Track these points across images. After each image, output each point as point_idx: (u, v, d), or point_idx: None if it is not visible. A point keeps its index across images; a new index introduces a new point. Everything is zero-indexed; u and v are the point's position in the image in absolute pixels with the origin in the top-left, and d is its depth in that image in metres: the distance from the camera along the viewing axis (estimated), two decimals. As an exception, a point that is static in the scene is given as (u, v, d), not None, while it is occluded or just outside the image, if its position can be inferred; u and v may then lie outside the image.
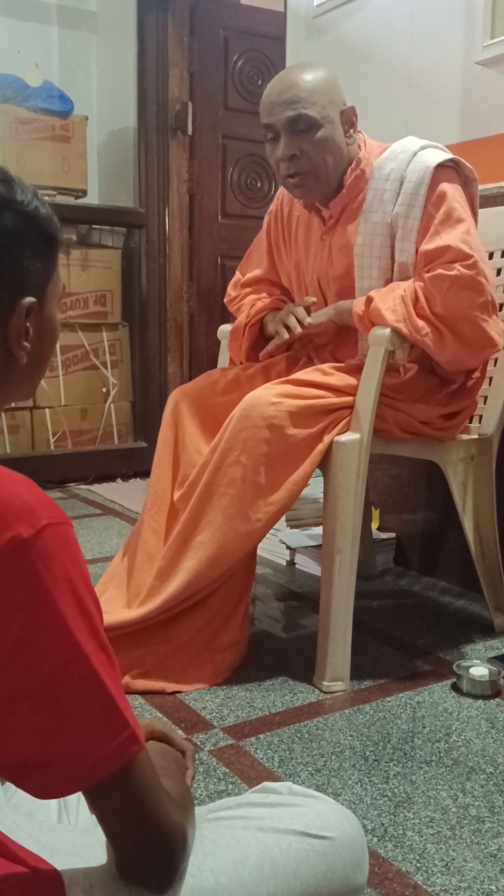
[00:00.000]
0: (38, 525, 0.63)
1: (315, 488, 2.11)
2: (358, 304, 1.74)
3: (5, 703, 0.63)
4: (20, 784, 0.67)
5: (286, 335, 1.86)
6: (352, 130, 1.79)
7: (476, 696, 1.66)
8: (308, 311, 1.85)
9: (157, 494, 1.84)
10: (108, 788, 0.66)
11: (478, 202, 1.82)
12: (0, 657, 0.62)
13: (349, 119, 1.78)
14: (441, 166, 1.73)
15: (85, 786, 0.66)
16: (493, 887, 1.11)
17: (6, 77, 3.43)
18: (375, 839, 1.21)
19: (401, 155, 1.78)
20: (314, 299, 1.87)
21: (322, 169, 1.76)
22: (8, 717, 0.63)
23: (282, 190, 2.00)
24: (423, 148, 1.77)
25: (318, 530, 2.39)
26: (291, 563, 2.53)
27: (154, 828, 0.68)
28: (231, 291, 2.11)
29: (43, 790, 0.67)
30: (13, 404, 3.38)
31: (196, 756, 1.42)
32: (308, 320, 1.83)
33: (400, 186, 1.75)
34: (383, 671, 1.79)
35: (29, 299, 0.74)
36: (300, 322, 1.83)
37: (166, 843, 0.69)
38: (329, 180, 1.79)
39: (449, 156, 1.75)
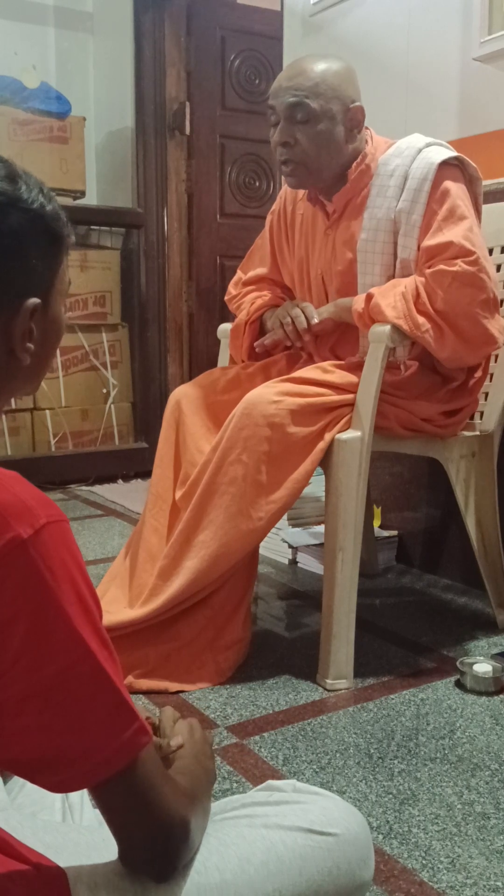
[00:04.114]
0: (38, 524, 0.63)
1: (316, 486, 2.10)
2: (358, 301, 1.74)
3: (16, 702, 0.63)
4: (34, 779, 0.67)
5: (282, 336, 1.86)
6: (355, 130, 1.78)
7: (480, 693, 1.66)
8: (309, 324, 1.83)
9: (158, 493, 1.83)
10: (116, 781, 0.66)
11: (481, 201, 1.82)
12: (7, 658, 0.62)
13: (355, 118, 1.76)
14: (445, 164, 1.72)
15: (99, 779, 0.66)
16: (499, 883, 1.11)
17: (3, 79, 3.43)
18: (381, 836, 1.21)
19: (406, 151, 1.78)
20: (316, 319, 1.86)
21: (314, 162, 1.76)
22: (19, 715, 0.63)
23: (285, 189, 2.00)
24: (428, 145, 1.77)
25: (320, 528, 2.38)
26: (293, 561, 2.52)
27: (156, 819, 0.68)
28: (232, 290, 2.11)
29: (57, 785, 0.67)
30: (13, 405, 3.39)
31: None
32: (314, 320, 1.82)
33: (404, 182, 1.75)
34: (386, 669, 1.78)
35: (33, 301, 0.73)
36: (303, 327, 1.83)
37: (168, 833, 0.69)
38: (322, 174, 1.79)
39: (454, 154, 1.75)
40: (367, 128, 1.83)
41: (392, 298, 1.68)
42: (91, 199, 3.78)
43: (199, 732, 0.91)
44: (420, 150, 1.76)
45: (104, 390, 3.70)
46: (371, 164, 1.80)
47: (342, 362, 1.80)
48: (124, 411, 3.79)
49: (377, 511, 2.51)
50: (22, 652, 0.62)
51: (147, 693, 1.65)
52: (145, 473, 3.59)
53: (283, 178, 1.85)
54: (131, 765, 0.66)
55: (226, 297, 2.14)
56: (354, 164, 1.80)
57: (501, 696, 1.66)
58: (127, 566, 1.82)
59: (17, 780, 0.91)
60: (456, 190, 1.72)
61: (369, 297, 1.71)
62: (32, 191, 0.73)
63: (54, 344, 0.79)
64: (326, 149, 1.75)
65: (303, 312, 1.83)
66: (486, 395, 1.97)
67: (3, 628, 0.62)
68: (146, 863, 0.70)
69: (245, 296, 2.04)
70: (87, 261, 3.59)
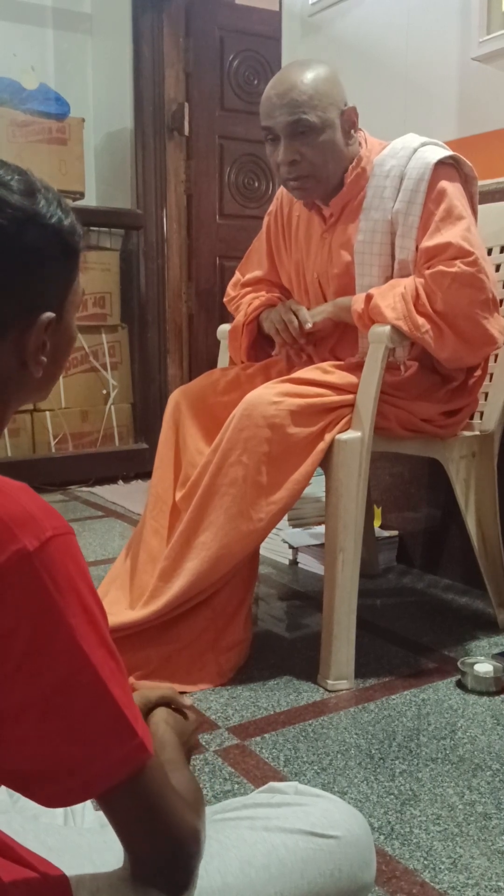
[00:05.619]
0: (44, 536, 0.63)
1: (317, 487, 2.10)
2: (357, 302, 1.74)
3: (13, 712, 0.63)
4: (27, 793, 0.66)
5: (279, 341, 1.86)
6: (352, 131, 1.78)
7: (481, 693, 1.66)
8: (302, 328, 1.83)
9: (158, 495, 1.83)
10: (120, 796, 0.66)
11: (477, 200, 1.82)
12: (7, 668, 0.62)
13: (350, 119, 1.76)
14: (441, 163, 1.72)
15: (92, 795, 0.65)
16: (501, 884, 1.11)
17: (2, 80, 3.43)
18: (382, 837, 1.21)
19: (401, 152, 1.77)
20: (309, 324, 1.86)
21: (322, 171, 1.76)
22: (16, 726, 0.63)
23: (281, 190, 1.99)
24: (423, 145, 1.77)
25: (321, 529, 2.38)
26: (294, 562, 2.52)
27: (167, 832, 0.68)
28: (231, 291, 2.11)
29: (51, 799, 0.66)
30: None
31: (201, 756, 1.42)
32: (308, 325, 1.82)
33: (400, 183, 1.75)
34: (387, 669, 1.78)
35: (48, 315, 0.73)
36: (297, 331, 1.83)
37: (180, 846, 0.69)
38: (329, 181, 1.79)
39: (449, 153, 1.75)
40: (360, 129, 1.83)
41: (391, 299, 1.68)
42: (90, 201, 3.78)
43: (173, 741, 0.89)
44: (415, 150, 1.76)
45: (104, 391, 3.70)
46: (366, 166, 1.80)
47: (342, 363, 1.80)
48: (124, 412, 3.79)
49: (378, 511, 2.51)
50: (22, 662, 0.62)
51: (148, 694, 1.65)
52: (145, 474, 3.59)
53: (290, 191, 1.84)
54: (132, 779, 0.65)
55: (224, 299, 2.14)
56: (350, 167, 1.80)
57: (502, 696, 1.66)
58: (127, 567, 1.82)
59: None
60: (452, 190, 1.72)
61: (369, 298, 1.71)
62: (51, 205, 0.72)
63: (66, 354, 0.79)
64: (332, 156, 1.75)
65: (296, 316, 1.83)
66: (486, 395, 1.97)
67: (5, 637, 0.62)
68: (160, 876, 0.70)
69: (243, 297, 2.04)
70: (87, 262, 3.58)
